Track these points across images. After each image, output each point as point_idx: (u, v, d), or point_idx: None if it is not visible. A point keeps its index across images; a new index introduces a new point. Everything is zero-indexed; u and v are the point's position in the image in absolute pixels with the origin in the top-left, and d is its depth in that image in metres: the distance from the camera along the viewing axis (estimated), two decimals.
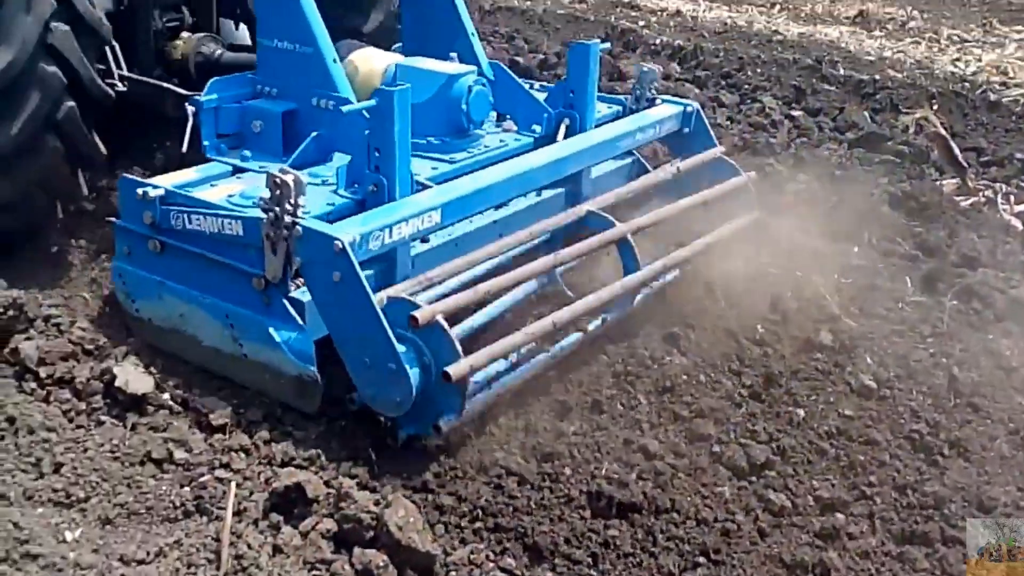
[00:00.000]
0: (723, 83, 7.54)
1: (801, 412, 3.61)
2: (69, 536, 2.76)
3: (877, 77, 7.89)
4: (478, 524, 2.97)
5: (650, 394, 3.65)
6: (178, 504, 2.92)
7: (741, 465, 3.31)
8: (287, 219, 3.10)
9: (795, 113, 6.96)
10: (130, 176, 3.66)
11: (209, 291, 3.45)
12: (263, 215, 3.15)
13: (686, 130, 4.73)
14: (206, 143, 3.99)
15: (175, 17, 4.79)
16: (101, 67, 4.25)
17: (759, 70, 8.00)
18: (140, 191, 3.50)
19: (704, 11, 10.18)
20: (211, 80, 4.09)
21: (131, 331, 3.70)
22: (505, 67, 4.59)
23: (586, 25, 9.04)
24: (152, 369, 3.51)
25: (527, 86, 4.64)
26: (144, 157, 4.80)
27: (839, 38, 9.31)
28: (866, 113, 7.07)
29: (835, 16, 10.40)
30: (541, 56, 7.58)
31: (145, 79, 4.45)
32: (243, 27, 5.22)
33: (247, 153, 3.99)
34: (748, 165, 5.86)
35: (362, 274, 3.04)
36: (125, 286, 3.69)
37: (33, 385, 3.38)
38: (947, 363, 3.98)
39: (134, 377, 3.36)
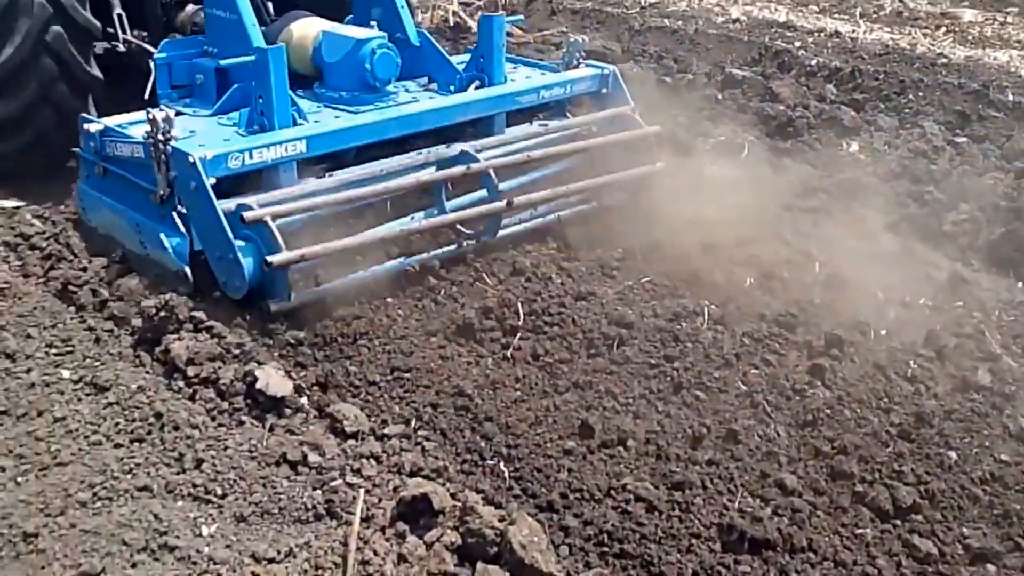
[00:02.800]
0: (882, 106, 7.23)
1: (953, 455, 3.38)
2: (205, 531, 2.85)
3: None
4: (603, 548, 2.90)
5: (790, 426, 3.50)
6: (309, 506, 2.97)
7: (885, 507, 3.12)
8: (161, 144, 3.93)
9: (959, 139, 6.60)
10: (84, 115, 4.53)
11: (128, 205, 4.31)
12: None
13: (604, 91, 5.33)
14: (160, 92, 4.83)
15: None
16: (110, 30, 5.11)
17: (921, 94, 7.64)
18: (87, 126, 4.43)
19: (864, 32, 9.82)
20: (164, 40, 4.98)
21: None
22: (430, 37, 5.26)
23: (739, 45, 8.85)
24: (292, 374, 3.60)
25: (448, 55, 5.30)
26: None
27: (1009, 62, 8.80)
28: None
29: (1005, 39, 9.85)
30: (690, 76, 7.46)
31: (133, 40, 5.21)
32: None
33: (188, 101, 4.83)
34: (905, 192, 5.63)
35: (208, 183, 3.85)
36: (82, 202, 4.62)
37: (181, 384, 3.52)
38: None
39: (275, 380, 3.45)
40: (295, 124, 4.37)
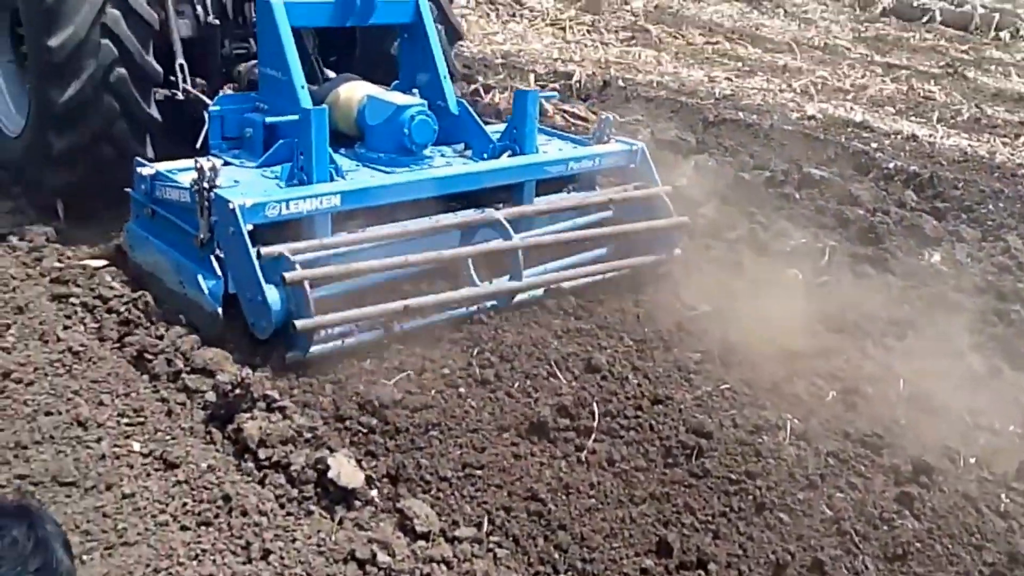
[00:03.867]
0: (963, 216, 7.08)
1: None
2: None
3: None
4: None
5: (879, 559, 3.33)
6: None
7: None
8: (206, 191, 4.18)
9: None
10: (139, 158, 4.78)
11: (172, 246, 4.57)
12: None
13: (632, 166, 5.53)
14: (211, 142, 5.07)
15: (242, 46, 5.88)
16: (172, 78, 5.38)
17: (1002, 204, 7.47)
18: (140, 170, 4.67)
19: (942, 137, 9.69)
20: (220, 94, 5.29)
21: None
22: (468, 106, 5.45)
23: (815, 143, 8.76)
24: (363, 463, 3.52)
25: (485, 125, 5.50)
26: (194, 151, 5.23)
27: None
28: None
29: None
30: (768, 173, 7.39)
31: (192, 90, 5.43)
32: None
33: (237, 152, 5.04)
34: (991, 310, 5.47)
35: (244, 229, 4.07)
36: (130, 241, 4.87)
37: (251, 466, 3.46)
38: None
39: (346, 470, 3.37)
40: (332, 180, 4.60)
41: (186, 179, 4.38)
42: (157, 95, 5.31)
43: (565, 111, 9.00)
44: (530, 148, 5.31)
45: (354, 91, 5.21)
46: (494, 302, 4.71)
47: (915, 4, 17.15)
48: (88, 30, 4.89)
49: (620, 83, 10.45)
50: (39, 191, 5.45)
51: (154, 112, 5.27)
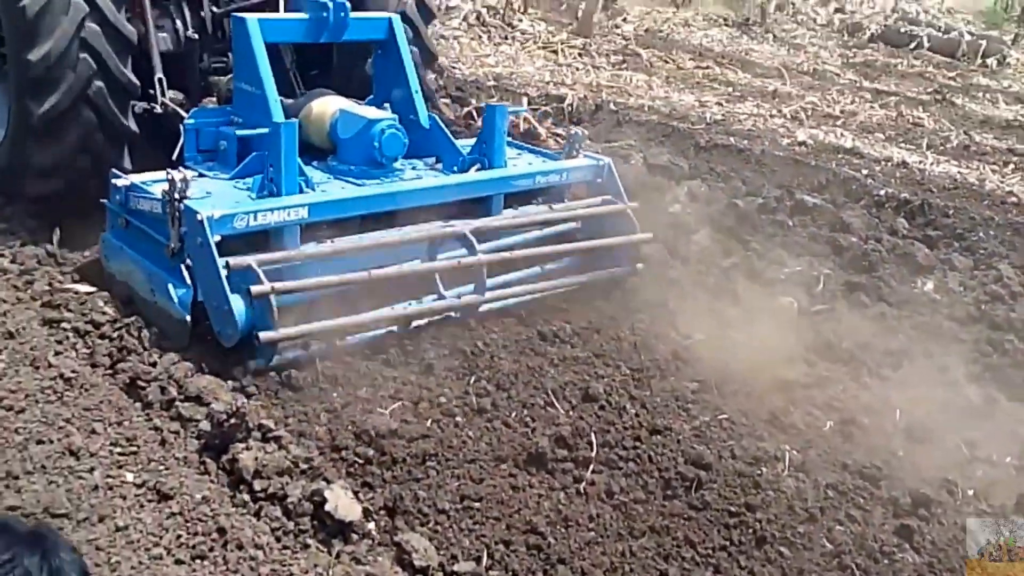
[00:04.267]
0: (955, 244, 7.10)
1: None
2: None
3: None
4: None
5: None
6: None
7: None
8: (176, 202, 4.27)
9: None
10: (115, 170, 4.85)
11: (144, 255, 4.66)
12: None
13: (599, 180, 5.65)
14: (187, 154, 5.13)
15: (221, 60, 5.94)
16: (151, 91, 5.42)
17: (992, 232, 7.50)
18: (115, 181, 4.75)
19: (932, 164, 9.74)
20: (194, 108, 5.35)
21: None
22: (439, 120, 5.64)
23: (806, 169, 8.78)
24: (360, 495, 3.48)
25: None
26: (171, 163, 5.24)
27: None
28: None
29: None
30: (760, 200, 7.40)
31: (170, 104, 5.46)
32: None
33: (211, 164, 5.11)
34: (985, 339, 5.47)
35: (212, 240, 4.16)
36: (104, 250, 4.95)
37: (246, 497, 3.41)
38: None
39: (343, 503, 3.33)
40: (301, 192, 4.71)
41: (159, 190, 4.45)
42: (136, 108, 5.38)
43: (559, 135, 9.00)
44: (499, 162, 5.45)
45: (327, 105, 5.32)
46: (457, 314, 4.83)
47: (903, 31, 17.30)
48: (67, 44, 4.97)
49: (612, 107, 10.48)
50: (19, 201, 5.54)
51: (132, 124, 5.36)
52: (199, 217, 4.20)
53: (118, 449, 3.65)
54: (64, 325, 4.50)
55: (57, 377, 4.05)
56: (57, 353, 4.26)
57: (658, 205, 6.94)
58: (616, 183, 5.62)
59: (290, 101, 5.38)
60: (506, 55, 13.05)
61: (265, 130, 4.80)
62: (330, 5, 5.26)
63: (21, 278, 4.97)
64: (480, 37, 13.83)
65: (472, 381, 4.33)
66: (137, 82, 5.32)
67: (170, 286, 4.41)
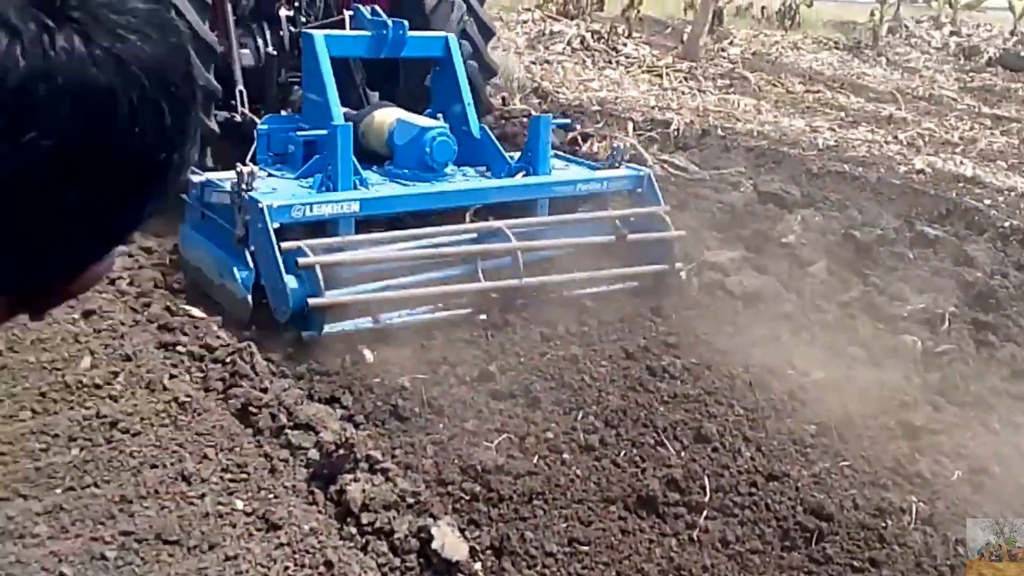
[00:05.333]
0: None
1: None
2: None
3: None
4: None
5: None
6: None
7: None
8: (243, 193, 4.78)
9: None
10: (194, 168, 5.11)
11: (215, 244, 5.14)
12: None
13: (639, 190, 5.94)
14: (259, 157, 5.63)
15: (297, 75, 6.35)
16: (232, 101, 6.04)
17: None
18: (193, 178, 5.21)
19: None
20: (267, 115, 5.93)
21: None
22: (489, 132, 6.13)
23: (924, 199, 8.43)
24: (466, 533, 3.41)
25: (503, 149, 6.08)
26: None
27: None
28: None
29: None
30: (879, 231, 7.11)
31: (248, 114, 6.06)
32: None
33: (280, 166, 5.64)
34: None
35: (271, 227, 4.66)
36: (184, 242, 5.44)
37: (353, 530, 3.37)
38: None
39: (450, 540, 3.26)
40: (355, 189, 5.21)
41: (229, 184, 4.95)
42: (218, 116, 5.95)
43: (664, 161, 8.87)
44: (543, 169, 5.85)
45: (386, 115, 5.85)
46: (496, 296, 5.21)
47: (1022, 54, 16.60)
48: None
49: (719, 132, 10.29)
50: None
51: (213, 125, 5.85)
52: (260, 206, 4.69)
53: (229, 475, 3.66)
54: (179, 348, 4.57)
55: (171, 401, 4.11)
56: (172, 376, 4.32)
57: (770, 235, 6.75)
58: (655, 192, 5.92)
59: (355, 112, 5.97)
60: (610, 79, 12.96)
61: (324, 132, 5.29)
62: (389, 23, 5.85)
63: (139, 300, 5.08)
64: (584, 61, 13.78)
65: (580, 417, 4.24)
66: (219, 87, 5.82)
67: (235, 268, 4.88)
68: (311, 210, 4.94)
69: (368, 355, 4.64)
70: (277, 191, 5.07)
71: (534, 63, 13.05)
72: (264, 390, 4.20)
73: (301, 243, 4.67)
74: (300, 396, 4.16)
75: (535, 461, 3.88)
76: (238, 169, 4.82)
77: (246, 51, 6.38)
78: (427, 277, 5.09)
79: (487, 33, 7.18)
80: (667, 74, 13.45)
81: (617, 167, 6.01)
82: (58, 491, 3.47)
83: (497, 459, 3.83)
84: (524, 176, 5.81)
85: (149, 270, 5.40)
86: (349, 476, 3.57)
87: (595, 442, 4.07)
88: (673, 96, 12.33)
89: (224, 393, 4.23)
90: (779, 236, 6.73)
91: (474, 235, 5.33)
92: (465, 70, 6.20)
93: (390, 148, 5.70)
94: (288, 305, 4.62)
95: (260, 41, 6.47)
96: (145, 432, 3.88)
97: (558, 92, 11.75)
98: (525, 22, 15.50)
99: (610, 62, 14.01)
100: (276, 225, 4.69)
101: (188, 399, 4.13)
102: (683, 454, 4.04)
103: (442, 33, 6.21)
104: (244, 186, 4.78)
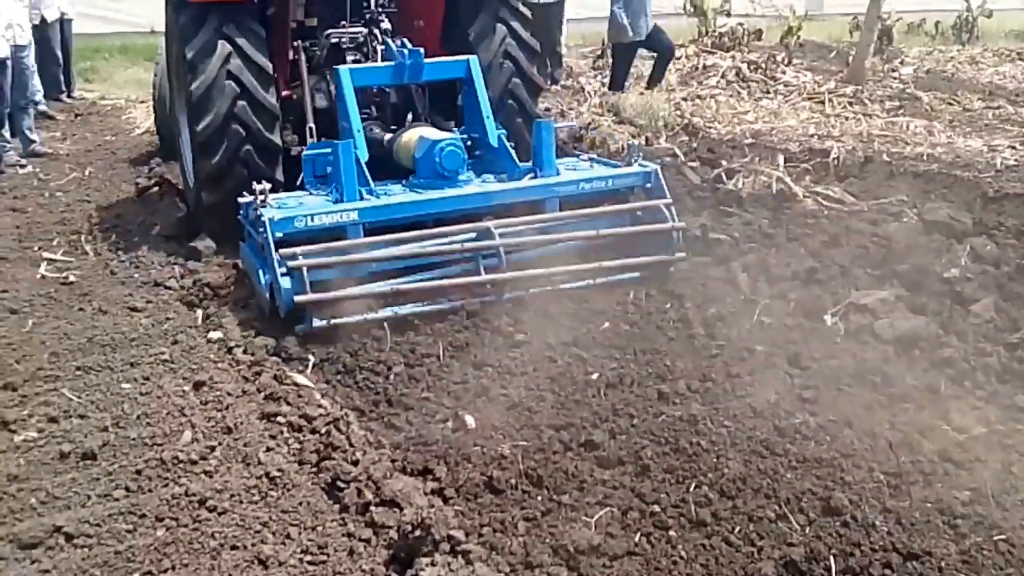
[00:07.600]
0: None
1: None
2: None
3: None
4: None
5: None
6: None
7: None
8: (256, 209, 5.60)
9: None
10: (244, 191, 5.97)
11: (254, 255, 5.89)
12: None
13: (648, 185, 6.39)
14: (306, 179, 6.34)
15: (362, 113, 6.81)
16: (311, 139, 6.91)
17: None
18: (240, 199, 5.97)
19: None
20: (310, 143, 6.71)
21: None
22: (505, 141, 6.61)
23: None
24: None
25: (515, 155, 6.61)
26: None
27: None
28: None
29: None
30: None
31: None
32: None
33: (322, 185, 6.20)
34: None
35: (272, 236, 5.41)
36: (242, 256, 6.30)
37: None
38: None
39: None
40: (362, 199, 5.85)
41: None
42: (292, 151, 6.92)
43: (817, 193, 8.25)
44: (548, 171, 6.34)
45: (413, 134, 6.53)
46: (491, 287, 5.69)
47: None
48: (216, 74, 6.51)
49: (884, 157, 9.52)
50: (200, 208, 7.04)
51: (276, 138, 6.73)
52: (263, 219, 5.45)
53: (308, 558, 3.49)
54: (279, 419, 4.48)
55: (264, 476, 4.00)
56: (268, 449, 4.23)
57: (930, 269, 6.08)
58: (663, 187, 6.33)
59: (390, 135, 6.76)
60: (767, 110, 12.35)
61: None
62: (406, 52, 6.54)
63: (251, 369, 5.05)
64: (739, 93, 13.23)
65: (692, 487, 3.84)
66: (275, 103, 6.74)
67: (260, 272, 5.69)
68: (312, 220, 5.61)
69: (470, 421, 4.41)
70: (291, 206, 5.79)
71: (685, 99, 12.62)
72: (355, 462, 4.03)
73: (295, 250, 5.29)
74: (389, 469, 3.96)
75: (636, 539, 3.52)
76: (253, 188, 5.63)
77: (320, 94, 7.24)
78: (420, 276, 5.66)
79: (529, 52, 7.70)
80: (830, 100, 12.70)
81: (631, 165, 6.46)
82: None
83: (593, 538, 3.49)
84: (531, 179, 6.29)
85: (263, 338, 5.39)
86: (426, 560, 3.32)
87: (707, 516, 3.66)
88: (835, 123, 11.60)
89: (317, 466, 4.09)
90: (941, 271, 6.05)
91: (470, 235, 5.77)
92: (508, 86, 7.31)
93: (415, 162, 6.27)
94: (283, 301, 5.34)
95: (331, 87, 7.11)
96: (232, 510, 3.78)
97: (709, 127, 11.27)
98: (678, 58, 15.09)
99: (767, 92, 13.39)
100: (279, 235, 5.43)
101: (280, 473, 4.02)
102: (807, 529, 3.56)
103: (463, 57, 6.80)
104: (258, 203, 5.57)
